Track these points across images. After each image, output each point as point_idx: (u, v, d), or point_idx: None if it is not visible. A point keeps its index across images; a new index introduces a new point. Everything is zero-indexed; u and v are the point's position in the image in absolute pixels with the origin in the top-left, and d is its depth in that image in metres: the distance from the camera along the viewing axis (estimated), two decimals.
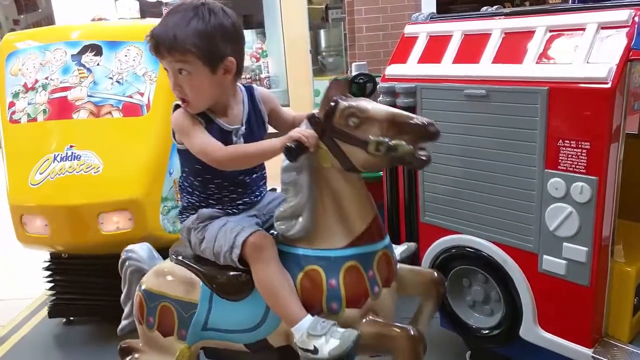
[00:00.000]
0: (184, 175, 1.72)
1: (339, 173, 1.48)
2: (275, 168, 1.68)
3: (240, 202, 1.70)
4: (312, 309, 1.49)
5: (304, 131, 1.46)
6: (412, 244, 1.89)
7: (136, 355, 1.86)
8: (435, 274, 1.69)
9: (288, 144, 1.42)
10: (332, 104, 1.44)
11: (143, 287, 1.78)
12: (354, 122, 1.40)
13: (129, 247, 1.93)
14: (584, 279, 1.68)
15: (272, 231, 1.60)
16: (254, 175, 1.71)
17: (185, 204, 1.73)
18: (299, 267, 1.53)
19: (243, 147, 1.59)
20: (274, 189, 1.82)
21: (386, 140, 1.36)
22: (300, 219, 1.51)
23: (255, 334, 1.60)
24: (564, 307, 1.76)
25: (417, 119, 1.36)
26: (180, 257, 1.75)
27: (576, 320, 1.74)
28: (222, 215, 1.66)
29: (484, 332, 2.03)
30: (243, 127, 1.64)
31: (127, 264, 1.90)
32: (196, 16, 1.49)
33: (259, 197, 1.75)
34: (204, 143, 1.54)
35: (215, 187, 1.66)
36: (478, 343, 2.09)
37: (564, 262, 1.71)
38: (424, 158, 1.36)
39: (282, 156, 1.46)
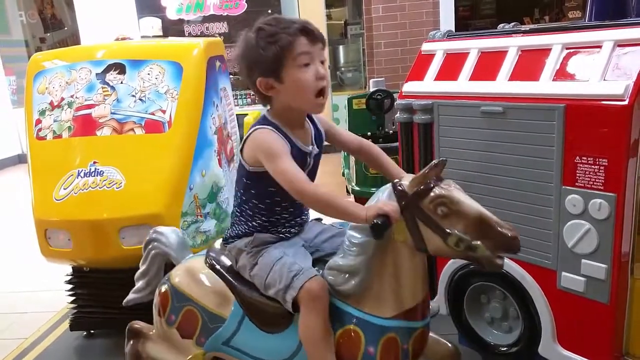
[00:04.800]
0: (243, 198, 1.67)
1: (407, 249, 1.47)
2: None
3: (294, 221, 1.71)
4: None
5: (392, 206, 1.41)
6: (436, 305, 1.96)
7: (143, 342, 1.87)
8: (451, 346, 1.70)
9: (376, 220, 1.38)
10: (428, 187, 1.40)
11: (172, 282, 1.77)
12: (442, 210, 1.37)
13: (159, 228, 1.90)
14: (603, 296, 1.67)
15: (317, 269, 1.59)
16: None
17: (241, 231, 1.69)
18: (340, 323, 1.53)
19: (331, 197, 1.51)
20: (319, 219, 1.82)
21: (468, 239, 1.34)
22: (356, 279, 1.50)
23: None
24: (584, 324, 1.74)
25: (505, 228, 1.33)
26: (218, 267, 1.73)
27: (596, 338, 1.72)
28: (276, 241, 1.66)
29: (503, 349, 2.02)
30: (316, 148, 1.66)
31: (152, 245, 1.89)
32: None
33: (306, 216, 1.77)
34: (292, 171, 1.50)
35: (281, 209, 1.67)
36: None
37: (582, 279, 1.70)
38: (498, 265, 1.35)
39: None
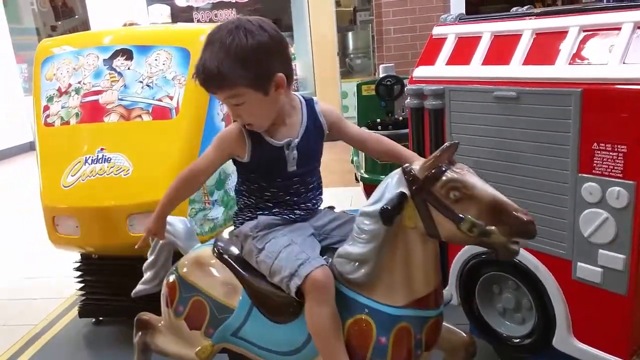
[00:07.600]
0: (239, 180, 1.71)
1: (418, 236, 1.42)
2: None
3: (297, 208, 1.68)
4: (354, 357, 1.47)
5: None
6: (448, 293, 1.93)
7: (152, 333, 1.86)
8: (466, 335, 1.66)
9: (384, 205, 1.37)
10: (440, 171, 1.35)
11: (180, 272, 1.75)
12: (455, 195, 1.32)
13: (168, 218, 1.86)
14: (621, 287, 1.62)
15: (326, 257, 1.57)
16: (310, 186, 1.70)
17: (242, 206, 1.72)
18: (350, 312, 1.49)
19: (171, 185, 1.72)
20: (332, 207, 1.79)
21: (482, 224, 1.30)
22: (366, 267, 1.46)
23: (290, 359, 1.58)
24: (600, 316, 1.70)
25: (521, 213, 1.28)
26: (226, 256, 1.71)
27: (612, 331, 1.68)
28: (281, 224, 1.65)
29: (515, 340, 1.98)
30: (297, 140, 1.61)
31: None
32: (234, 42, 1.43)
33: (316, 206, 1.74)
34: (196, 162, 1.69)
35: (271, 194, 1.66)
36: (509, 352, 2.04)
37: (599, 269, 1.65)
38: (513, 251, 1.31)
39: (363, 197, 1.44)
